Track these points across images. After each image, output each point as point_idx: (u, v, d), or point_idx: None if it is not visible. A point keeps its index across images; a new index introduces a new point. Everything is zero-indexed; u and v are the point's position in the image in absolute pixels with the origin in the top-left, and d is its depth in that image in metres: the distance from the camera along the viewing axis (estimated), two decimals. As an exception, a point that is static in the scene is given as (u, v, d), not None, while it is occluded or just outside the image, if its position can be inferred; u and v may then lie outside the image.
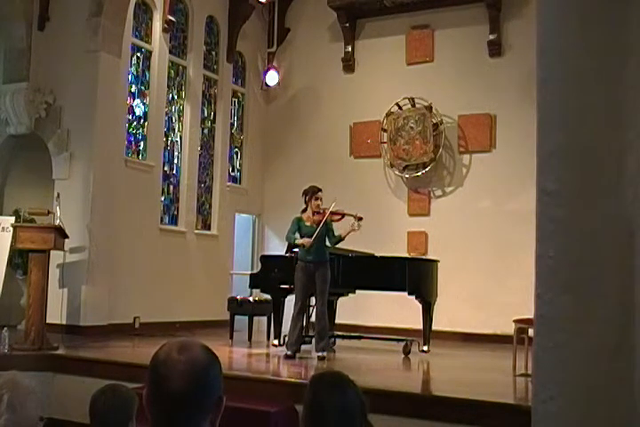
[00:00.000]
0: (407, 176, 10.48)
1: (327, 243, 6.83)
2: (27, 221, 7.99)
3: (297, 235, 6.76)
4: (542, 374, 2.15)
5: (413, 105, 10.43)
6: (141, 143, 9.52)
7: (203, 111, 10.71)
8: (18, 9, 8.55)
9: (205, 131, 10.79)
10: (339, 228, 6.93)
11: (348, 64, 11.17)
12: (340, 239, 6.81)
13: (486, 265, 9.57)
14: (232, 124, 11.40)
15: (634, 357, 2.03)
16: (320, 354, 6.61)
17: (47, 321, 6.76)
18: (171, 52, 10.02)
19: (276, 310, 7.61)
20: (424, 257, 9.40)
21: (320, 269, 6.68)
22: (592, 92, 2.13)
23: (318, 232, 6.60)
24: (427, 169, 10.26)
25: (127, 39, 8.99)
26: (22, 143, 8.74)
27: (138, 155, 9.44)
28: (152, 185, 9.48)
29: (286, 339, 6.90)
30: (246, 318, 8.15)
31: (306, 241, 6.60)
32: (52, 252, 6.89)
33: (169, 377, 1.47)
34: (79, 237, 7.95)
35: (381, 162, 10.74)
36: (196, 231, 10.32)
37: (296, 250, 6.99)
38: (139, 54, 9.53)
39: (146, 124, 9.57)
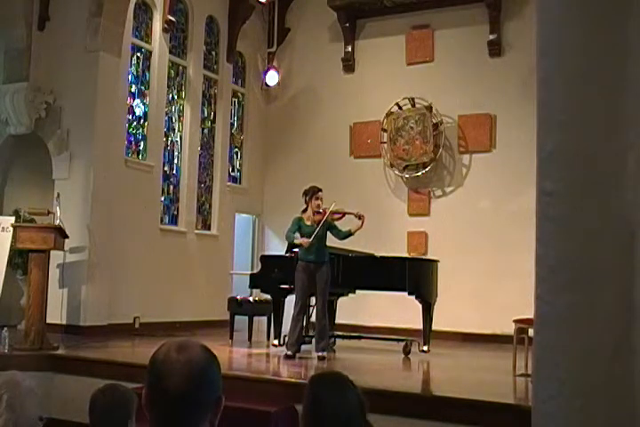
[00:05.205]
0: (407, 176, 10.48)
1: (334, 240, 6.87)
2: (27, 221, 7.99)
3: (297, 234, 6.76)
4: (542, 374, 2.15)
5: (413, 105, 10.43)
6: (141, 143, 9.52)
7: (203, 111, 10.71)
8: (18, 9, 8.55)
9: (205, 131, 10.79)
10: (343, 226, 6.95)
11: (348, 64, 11.17)
12: (350, 234, 6.81)
13: (486, 265, 9.56)
14: (232, 124, 11.40)
15: (634, 357, 2.03)
16: (320, 354, 6.62)
17: (47, 321, 6.77)
18: (171, 52, 10.02)
19: (276, 310, 7.61)
20: (424, 257, 9.40)
21: (320, 269, 6.69)
22: (592, 92, 2.13)
23: (317, 232, 6.61)
24: (427, 169, 10.26)
25: (127, 39, 8.99)
26: (22, 143, 8.73)
27: (138, 155, 9.44)
28: (152, 185, 9.48)
29: (286, 339, 6.91)
30: (246, 318, 8.14)
31: (304, 241, 6.61)
32: (52, 252, 6.90)
33: (168, 377, 1.47)
34: (79, 237, 7.96)
35: (381, 162, 10.74)
36: (196, 231, 10.32)
37: (296, 250, 6.99)
38: (139, 54, 9.53)
39: (146, 124, 9.57)
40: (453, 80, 10.25)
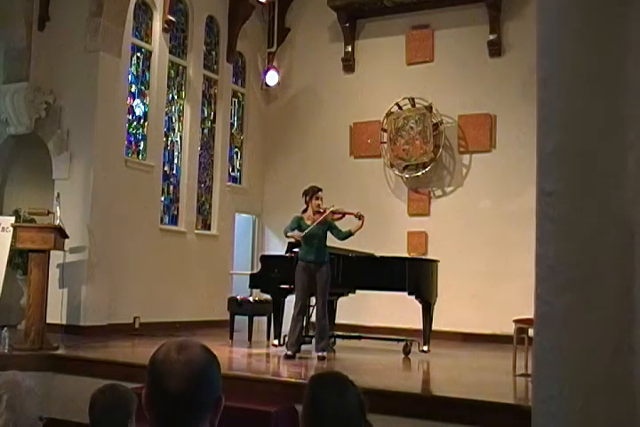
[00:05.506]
0: (407, 176, 10.48)
1: (334, 240, 6.88)
2: (27, 221, 7.99)
3: (295, 232, 6.77)
4: (542, 374, 2.15)
5: (413, 105, 10.43)
6: (141, 143, 9.52)
7: (203, 111, 10.70)
8: (18, 9, 8.55)
9: (205, 131, 10.79)
10: (343, 227, 6.95)
11: (348, 64, 11.17)
12: (350, 234, 6.81)
13: (486, 265, 9.56)
14: (232, 124, 11.40)
15: (634, 357, 2.03)
16: (320, 354, 6.62)
17: (47, 321, 6.76)
18: (171, 52, 10.02)
19: (276, 310, 7.61)
20: (424, 257, 9.40)
21: (321, 269, 6.69)
22: (592, 92, 2.13)
23: (312, 229, 6.62)
24: (427, 169, 10.26)
25: (127, 39, 8.98)
26: (22, 143, 8.73)
27: (138, 155, 9.44)
28: (152, 185, 9.48)
29: (286, 339, 6.91)
30: (246, 318, 8.15)
31: (296, 234, 6.64)
32: (52, 252, 6.89)
33: (168, 377, 1.47)
34: (79, 237, 7.95)
35: (381, 162, 10.74)
36: (196, 231, 10.32)
37: (296, 250, 6.99)
38: (139, 54, 9.52)
39: (146, 124, 9.57)
40: (453, 80, 10.25)
